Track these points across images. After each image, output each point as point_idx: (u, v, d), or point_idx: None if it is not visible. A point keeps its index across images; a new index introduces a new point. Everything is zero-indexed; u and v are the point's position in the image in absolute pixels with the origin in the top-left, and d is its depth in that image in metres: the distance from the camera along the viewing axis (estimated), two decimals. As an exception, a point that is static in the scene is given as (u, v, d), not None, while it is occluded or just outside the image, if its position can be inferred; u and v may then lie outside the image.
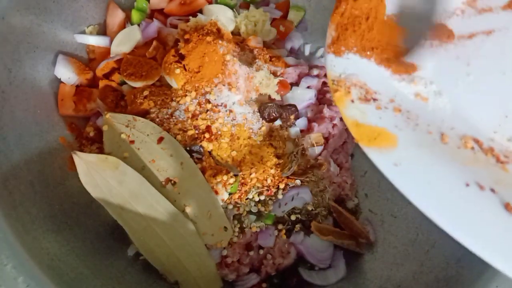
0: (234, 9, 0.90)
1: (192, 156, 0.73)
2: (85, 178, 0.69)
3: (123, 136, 0.73)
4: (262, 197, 0.77)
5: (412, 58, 0.63)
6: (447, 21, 0.63)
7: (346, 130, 0.88)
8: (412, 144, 0.55)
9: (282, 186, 0.78)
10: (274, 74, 0.85)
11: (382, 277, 0.75)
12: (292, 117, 0.81)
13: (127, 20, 0.88)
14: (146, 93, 0.78)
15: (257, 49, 0.84)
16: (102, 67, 0.82)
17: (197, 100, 0.77)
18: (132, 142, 0.73)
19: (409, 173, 0.52)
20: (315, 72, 0.88)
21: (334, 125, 0.85)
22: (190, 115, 0.76)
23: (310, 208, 0.79)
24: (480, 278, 0.62)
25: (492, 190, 0.52)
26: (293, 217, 0.79)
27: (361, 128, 0.56)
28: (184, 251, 0.71)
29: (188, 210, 0.71)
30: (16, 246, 0.59)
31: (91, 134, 0.80)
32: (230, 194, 0.75)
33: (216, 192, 0.73)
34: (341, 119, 0.87)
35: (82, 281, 0.65)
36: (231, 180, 0.73)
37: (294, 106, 0.82)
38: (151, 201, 0.69)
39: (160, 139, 0.73)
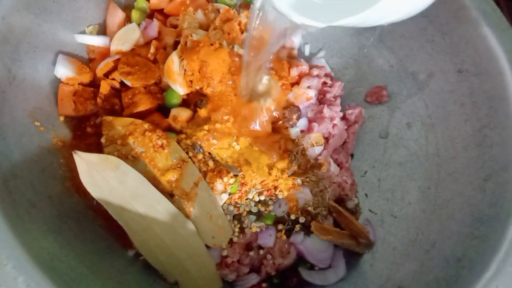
0: (234, 9, 0.90)
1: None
2: (86, 178, 0.69)
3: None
4: (262, 197, 0.77)
5: None
6: None
7: (346, 130, 0.88)
8: None
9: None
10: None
11: (382, 277, 0.75)
12: (294, 116, 0.81)
13: (127, 20, 0.88)
14: (144, 93, 0.77)
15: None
16: (102, 67, 0.82)
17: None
18: (132, 142, 0.73)
19: None
20: (315, 72, 0.88)
21: (334, 125, 0.85)
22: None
23: (310, 208, 0.79)
24: (480, 278, 0.61)
25: None
26: (293, 217, 0.79)
27: None
28: (184, 251, 0.71)
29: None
30: (16, 246, 0.59)
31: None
32: (230, 194, 0.75)
33: (216, 192, 0.73)
34: (341, 119, 0.87)
35: (82, 281, 0.65)
36: (231, 180, 0.73)
37: (297, 106, 0.82)
38: (152, 201, 0.69)
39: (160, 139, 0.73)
